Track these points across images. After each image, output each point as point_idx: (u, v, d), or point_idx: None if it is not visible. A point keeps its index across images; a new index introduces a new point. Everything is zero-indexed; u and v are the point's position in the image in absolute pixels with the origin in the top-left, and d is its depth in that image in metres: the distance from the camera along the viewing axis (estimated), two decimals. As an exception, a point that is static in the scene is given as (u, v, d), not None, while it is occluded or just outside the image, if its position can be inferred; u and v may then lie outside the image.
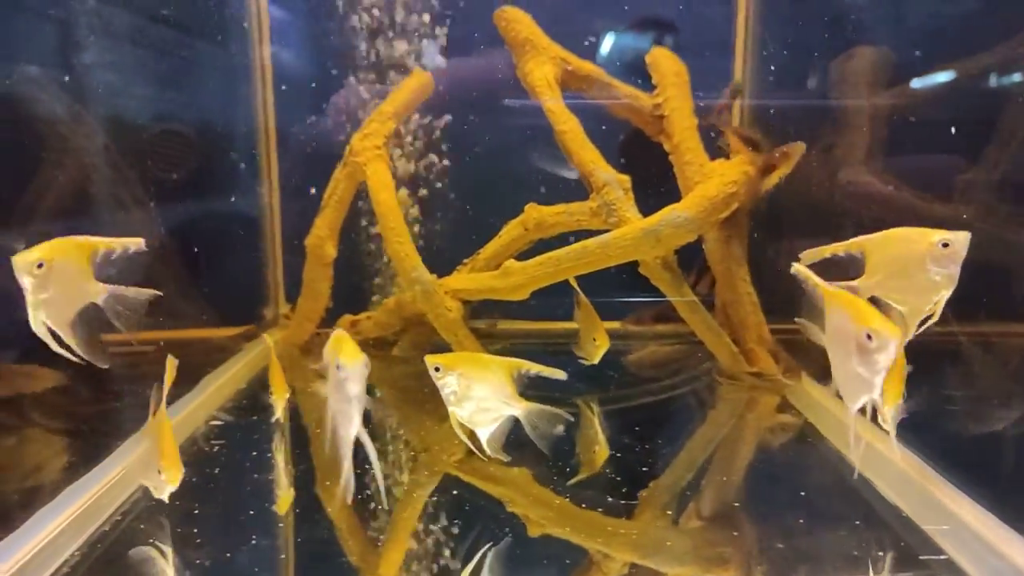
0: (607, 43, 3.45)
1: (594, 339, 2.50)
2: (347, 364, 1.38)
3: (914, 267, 1.56)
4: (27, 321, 1.43)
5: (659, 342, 3.30)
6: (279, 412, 2.01)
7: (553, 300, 2.75)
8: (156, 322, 2.82)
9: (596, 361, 2.55)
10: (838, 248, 1.67)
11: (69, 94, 2.49)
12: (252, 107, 3.44)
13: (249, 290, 3.45)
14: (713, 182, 2.64)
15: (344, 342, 1.43)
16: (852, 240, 1.68)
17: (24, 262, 1.36)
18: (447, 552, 1.71)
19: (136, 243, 1.51)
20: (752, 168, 2.73)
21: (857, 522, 1.80)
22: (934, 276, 1.54)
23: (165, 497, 1.65)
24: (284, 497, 1.77)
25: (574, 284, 2.63)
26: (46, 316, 1.42)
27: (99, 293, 1.49)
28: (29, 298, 1.39)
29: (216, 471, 2.13)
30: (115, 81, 2.75)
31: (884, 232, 1.64)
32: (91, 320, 1.51)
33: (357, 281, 3.50)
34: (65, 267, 1.40)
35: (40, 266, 1.36)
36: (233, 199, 3.43)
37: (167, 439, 1.63)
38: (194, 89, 3.26)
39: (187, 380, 2.61)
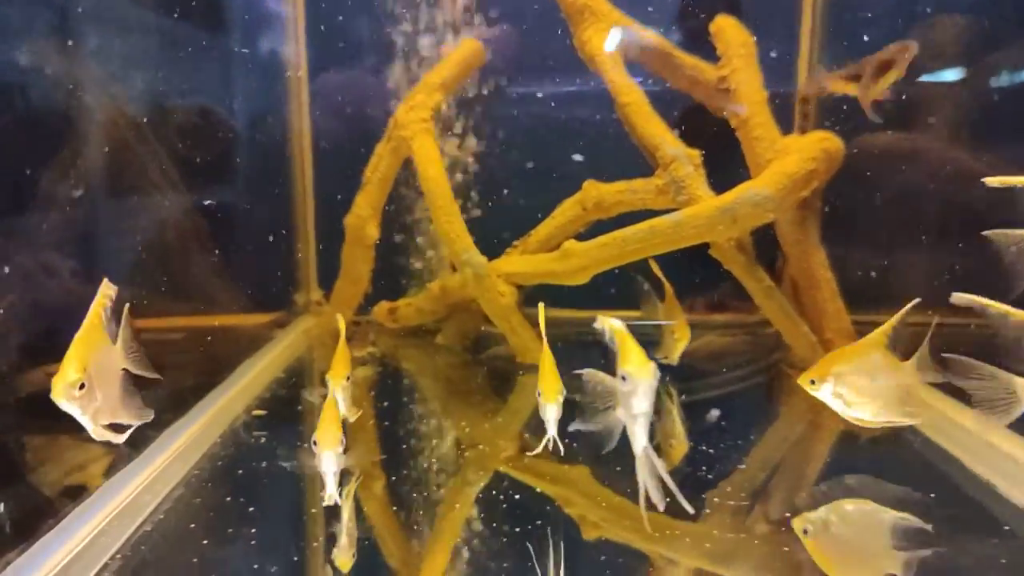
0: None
1: (673, 333, 2.33)
2: (634, 376, 1.18)
3: None
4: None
5: (716, 332, 3.14)
6: (345, 408, 1.78)
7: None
8: (183, 308, 2.71)
9: (676, 360, 2.38)
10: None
11: (95, 70, 2.37)
12: (285, 86, 3.28)
13: (280, 275, 3.30)
14: (792, 158, 2.47)
15: (629, 346, 1.23)
16: None
17: (64, 389, 1.17)
18: (496, 558, 1.56)
19: (110, 288, 1.32)
20: (831, 143, 2.57)
21: (980, 531, 1.63)
22: None
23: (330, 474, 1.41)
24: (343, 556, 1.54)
25: (656, 270, 2.44)
26: (103, 418, 1.26)
27: (121, 353, 1.32)
28: (82, 420, 1.22)
29: (263, 464, 1.98)
30: (146, 60, 2.63)
31: None
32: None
33: (395, 263, 3.34)
34: (97, 362, 1.23)
35: (82, 387, 1.19)
36: (265, 179, 3.27)
37: (329, 411, 1.45)
38: (224, 67, 3.11)
39: (219, 369, 2.47)
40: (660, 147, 2.52)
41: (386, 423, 2.36)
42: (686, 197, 2.47)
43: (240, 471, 1.95)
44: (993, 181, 1.38)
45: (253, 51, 3.26)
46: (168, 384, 2.26)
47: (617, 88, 2.61)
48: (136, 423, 1.33)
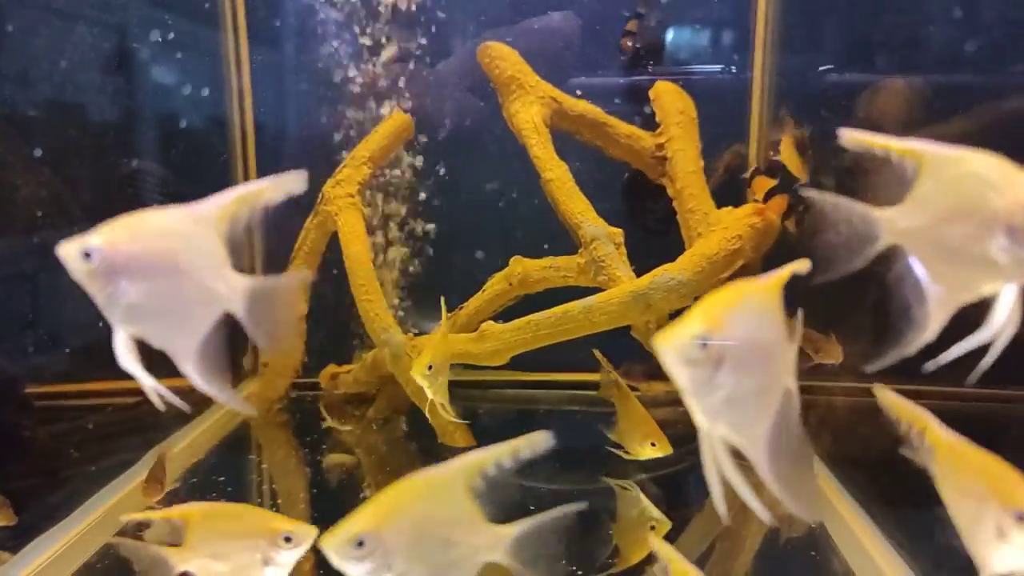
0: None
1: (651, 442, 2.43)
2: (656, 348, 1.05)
3: (974, 222, 1.06)
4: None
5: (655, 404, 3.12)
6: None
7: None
8: (98, 371, 2.70)
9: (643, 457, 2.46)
10: (890, 147, 1.17)
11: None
12: (226, 114, 3.35)
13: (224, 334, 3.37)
14: (713, 237, 2.49)
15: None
16: (910, 144, 1.15)
17: None
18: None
19: None
20: (760, 220, 2.58)
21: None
22: (999, 253, 1.04)
23: None
24: None
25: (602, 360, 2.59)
26: None
27: None
28: None
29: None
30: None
31: (959, 151, 1.11)
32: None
33: (344, 328, 3.41)
34: None
35: None
36: None
37: None
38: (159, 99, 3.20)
39: (130, 449, 2.48)
40: (581, 225, 2.57)
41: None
42: (605, 277, 2.51)
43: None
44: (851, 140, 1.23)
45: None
46: (58, 474, 2.32)
47: (541, 164, 2.67)
48: None
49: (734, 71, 3.32)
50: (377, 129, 2.95)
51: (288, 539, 1.34)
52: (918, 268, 1.16)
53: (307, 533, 1.35)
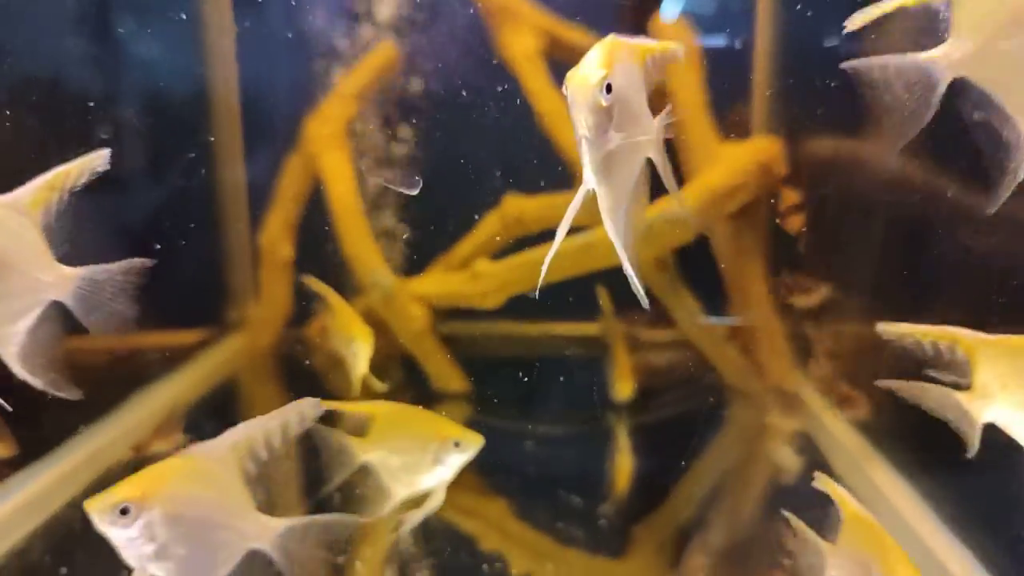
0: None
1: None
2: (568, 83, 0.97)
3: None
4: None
5: (657, 350, 3.04)
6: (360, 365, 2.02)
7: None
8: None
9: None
10: None
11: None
12: (208, 66, 3.17)
13: (209, 286, 3.24)
14: (718, 170, 2.39)
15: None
16: None
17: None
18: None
19: None
20: (765, 154, 2.48)
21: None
22: None
23: None
24: None
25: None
26: None
27: None
28: None
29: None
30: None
31: None
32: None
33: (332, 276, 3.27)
34: None
35: None
36: (189, 176, 3.14)
37: None
38: (136, 51, 3.03)
39: (113, 398, 2.41)
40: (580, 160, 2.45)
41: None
42: (605, 214, 2.40)
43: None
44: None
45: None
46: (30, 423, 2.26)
47: (536, 97, 2.54)
48: None
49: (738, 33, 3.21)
50: (363, 62, 2.79)
51: (457, 444, 1.48)
52: (990, 93, 1.04)
53: (474, 441, 1.48)
